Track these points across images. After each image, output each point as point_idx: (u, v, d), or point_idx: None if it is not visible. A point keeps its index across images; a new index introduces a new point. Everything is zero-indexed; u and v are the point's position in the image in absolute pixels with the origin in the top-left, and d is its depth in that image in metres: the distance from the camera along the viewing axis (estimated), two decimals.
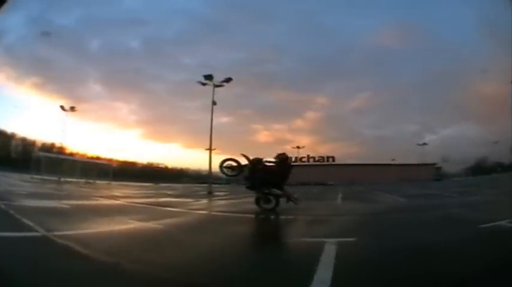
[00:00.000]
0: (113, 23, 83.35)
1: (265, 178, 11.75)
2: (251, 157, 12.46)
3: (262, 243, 6.70)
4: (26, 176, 32.12)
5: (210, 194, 25.66)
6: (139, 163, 55.24)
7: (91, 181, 36.55)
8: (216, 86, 34.78)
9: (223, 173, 12.63)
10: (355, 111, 70.60)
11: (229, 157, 12.77)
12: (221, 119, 73.14)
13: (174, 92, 77.31)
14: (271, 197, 11.70)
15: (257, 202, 11.78)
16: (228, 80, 35.40)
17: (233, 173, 12.52)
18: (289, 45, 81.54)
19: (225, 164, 12.43)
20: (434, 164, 55.02)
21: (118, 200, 16.25)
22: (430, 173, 54.31)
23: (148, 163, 56.54)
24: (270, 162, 12.41)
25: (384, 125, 77.24)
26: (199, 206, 12.68)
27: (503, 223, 6.99)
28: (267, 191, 11.79)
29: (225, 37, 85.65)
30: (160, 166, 53.17)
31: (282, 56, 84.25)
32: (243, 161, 12.31)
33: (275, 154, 12.57)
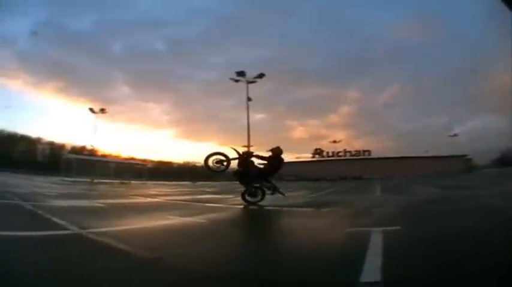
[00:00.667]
0: (132, 25, 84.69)
1: (257, 173, 11.64)
2: (241, 151, 12.24)
3: (308, 234, 6.32)
4: (55, 179, 32.49)
5: None
6: (175, 163, 55.56)
7: (126, 181, 36.45)
8: (249, 82, 34.30)
9: (209, 168, 11.70)
10: (386, 105, 69.39)
11: (216, 151, 11.92)
12: (255, 116, 72.98)
13: (205, 90, 77.83)
14: (259, 191, 11.59)
15: (243, 195, 11.60)
16: (261, 75, 34.84)
17: (221, 169, 11.65)
18: (315, 40, 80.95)
19: (211, 159, 11.62)
20: (464, 155, 55.95)
21: (156, 198, 15.89)
22: (460, 165, 54.58)
23: (184, 162, 56.78)
24: (260, 157, 12.05)
25: (414, 117, 75.71)
26: (240, 202, 11.89)
27: None
28: (257, 185, 11.61)
29: (250, 35, 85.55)
30: (197, 164, 52.79)
31: (309, 51, 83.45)
32: (232, 155, 11.85)
33: (270, 148, 12.24)
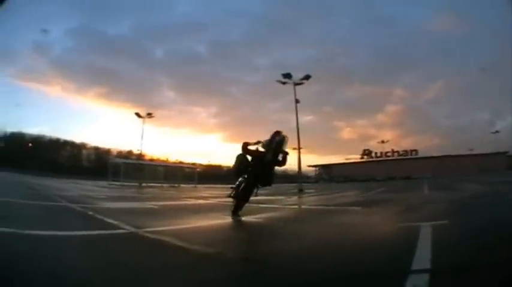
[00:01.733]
0: (171, 29, 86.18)
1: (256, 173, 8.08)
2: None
3: (360, 230, 6.44)
4: (103, 183, 33.09)
5: (300, 191, 25.09)
6: (224, 166, 55.96)
7: (175, 184, 36.91)
8: (296, 84, 33.85)
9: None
10: (431, 101, 67.04)
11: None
12: (303, 118, 72.43)
13: (252, 93, 78.10)
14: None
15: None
16: (307, 77, 34.47)
17: None
18: (356, 37, 79.72)
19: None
20: (506, 152, 53.80)
21: (208, 200, 15.74)
22: (503, 162, 53.49)
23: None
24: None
25: (458, 114, 72.90)
26: (292, 202, 12.23)
27: None
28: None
29: (293, 35, 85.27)
30: None
31: (352, 49, 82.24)
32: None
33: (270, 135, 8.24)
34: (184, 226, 6.54)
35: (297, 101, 33.51)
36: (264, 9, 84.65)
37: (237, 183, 8.19)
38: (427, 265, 3.34)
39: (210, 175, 49.46)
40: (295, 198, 17.50)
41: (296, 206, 11.22)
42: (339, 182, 40.24)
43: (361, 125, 78.69)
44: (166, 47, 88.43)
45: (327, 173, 40.27)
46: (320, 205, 10.94)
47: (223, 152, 69.20)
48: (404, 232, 5.55)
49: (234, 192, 8.23)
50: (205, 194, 21.73)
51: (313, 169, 49.62)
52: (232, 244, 5.09)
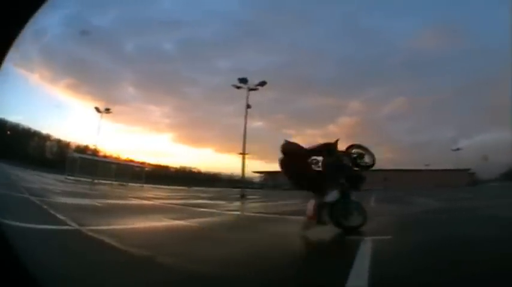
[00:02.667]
0: (149, 24, 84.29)
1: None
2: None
3: (297, 241, 6.44)
4: (61, 177, 32.80)
5: (243, 197, 25.06)
6: (171, 167, 55.81)
7: (124, 183, 36.88)
8: (250, 89, 34.50)
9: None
10: (390, 116, 69.01)
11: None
12: (253, 124, 72.94)
13: (209, 96, 77.60)
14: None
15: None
16: (263, 83, 35.04)
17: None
18: (328, 48, 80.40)
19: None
20: (468, 169, 53.97)
21: (152, 200, 16.25)
22: (464, 179, 53.10)
23: (181, 166, 57.01)
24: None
25: (419, 130, 75.33)
26: (232, 208, 12.62)
27: None
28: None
29: (263, 40, 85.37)
30: (193, 170, 53.09)
31: (319, 60, 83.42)
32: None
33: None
34: (125, 226, 6.96)
35: (248, 106, 34.09)
36: (246, 11, 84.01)
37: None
38: (363, 281, 3.40)
39: (158, 175, 49.42)
40: (236, 203, 17.74)
41: (235, 212, 11.43)
42: (285, 189, 41.24)
43: (311, 135, 79.40)
44: (138, 41, 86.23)
45: (273, 180, 41.04)
46: (260, 213, 11.09)
47: (173, 153, 68.82)
48: (343, 246, 5.65)
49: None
50: (151, 194, 22.18)
51: (259, 175, 50.67)
52: (163, 248, 5.08)
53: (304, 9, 79.30)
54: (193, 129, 75.94)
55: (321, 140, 7.72)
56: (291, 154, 7.39)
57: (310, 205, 7.00)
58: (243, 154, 33.52)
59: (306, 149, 7.57)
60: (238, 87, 34.69)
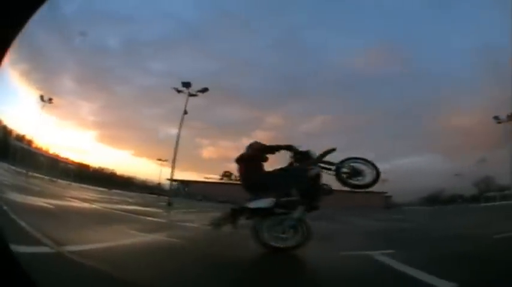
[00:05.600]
0: (106, 17, 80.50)
1: None
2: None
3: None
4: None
5: (170, 205, 24.65)
6: (92, 166, 53.76)
7: (54, 179, 35.54)
8: (190, 95, 34.14)
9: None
10: (308, 133, 70.46)
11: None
12: (170, 130, 72.51)
13: (138, 96, 75.47)
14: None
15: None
16: (204, 90, 34.90)
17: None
18: (262, 60, 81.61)
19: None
20: (384, 192, 54.64)
21: (92, 203, 15.28)
22: (380, 201, 54.77)
23: (99, 167, 55.03)
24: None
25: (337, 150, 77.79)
26: (178, 219, 12.40)
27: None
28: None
29: (203, 45, 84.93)
30: (111, 171, 52.67)
31: (250, 70, 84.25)
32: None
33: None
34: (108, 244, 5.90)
35: (185, 113, 33.81)
36: (193, 12, 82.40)
37: None
38: None
39: (80, 173, 47.76)
40: (174, 213, 17.41)
41: (191, 224, 10.91)
42: (198, 200, 41.21)
43: (223, 146, 79.54)
44: (91, 33, 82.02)
45: (185, 189, 40.46)
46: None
47: (94, 152, 66.47)
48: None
49: None
50: (85, 195, 21.25)
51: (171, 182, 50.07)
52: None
53: (250, 17, 79.98)
54: (115, 129, 73.29)
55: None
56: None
57: None
58: (174, 160, 34.10)
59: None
60: (179, 91, 34.16)
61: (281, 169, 6.46)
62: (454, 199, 46.96)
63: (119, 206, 15.64)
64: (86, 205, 14.30)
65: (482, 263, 4.98)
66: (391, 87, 67.89)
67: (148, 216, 12.43)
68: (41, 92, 46.30)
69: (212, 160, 74.78)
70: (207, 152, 77.62)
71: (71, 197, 16.67)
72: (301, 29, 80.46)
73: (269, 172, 6.39)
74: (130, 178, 52.64)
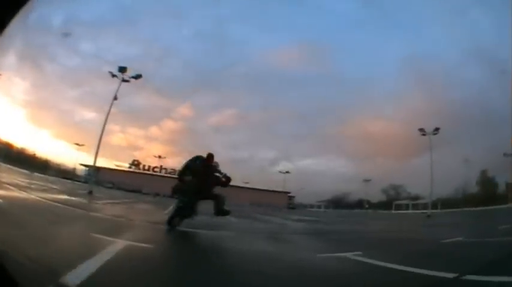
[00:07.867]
0: None
1: None
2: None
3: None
4: None
5: (91, 193, 23.78)
6: (15, 146, 50.30)
7: None
8: (123, 81, 33.11)
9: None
10: (215, 127, 69.90)
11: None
12: (87, 113, 69.49)
13: (61, 76, 70.54)
14: None
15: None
16: (138, 76, 34.23)
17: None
18: (183, 48, 79.68)
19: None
20: (288, 192, 56.68)
21: (27, 192, 14.40)
22: (284, 201, 55.95)
23: (21, 147, 51.68)
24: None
25: (241, 146, 77.19)
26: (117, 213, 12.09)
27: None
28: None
29: (130, 29, 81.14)
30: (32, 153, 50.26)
31: (169, 58, 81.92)
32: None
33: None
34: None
35: (115, 98, 32.52)
36: None
37: None
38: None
39: (8, 153, 44.67)
40: (100, 203, 16.62)
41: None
42: (108, 188, 40.60)
43: (132, 134, 77.37)
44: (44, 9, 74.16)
45: (97, 176, 39.20)
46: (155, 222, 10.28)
47: (17, 131, 61.82)
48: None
49: None
50: (16, 180, 19.94)
51: (84, 168, 50.15)
52: None
53: (180, 4, 77.38)
54: (35, 107, 67.82)
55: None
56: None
57: None
58: (98, 145, 32.83)
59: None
60: (113, 76, 33.01)
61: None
62: (361, 204, 48.83)
63: (52, 196, 14.95)
64: (23, 194, 13.53)
65: None
66: (305, 88, 69.60)
67: (91, 211, 12.12)
68: None
69: (121, 147, 72.29)
70: (117, 138, 74.46)
71: (7, 184, 15.80)
72: (227, 22, 79.69)
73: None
74: (47, 161, 51.47)
